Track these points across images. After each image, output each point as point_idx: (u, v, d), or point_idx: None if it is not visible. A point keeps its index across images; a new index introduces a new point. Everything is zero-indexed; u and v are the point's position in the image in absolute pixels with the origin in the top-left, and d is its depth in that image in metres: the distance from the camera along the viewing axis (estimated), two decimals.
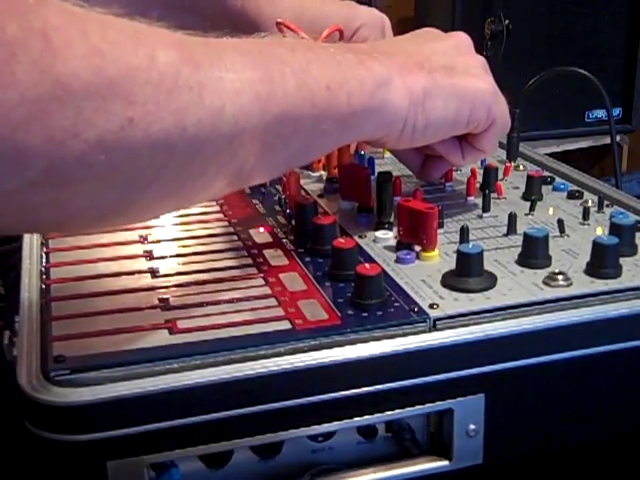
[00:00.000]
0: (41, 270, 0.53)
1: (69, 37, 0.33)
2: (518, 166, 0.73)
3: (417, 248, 0.54)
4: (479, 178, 0.66)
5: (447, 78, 0.54)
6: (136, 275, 0.52)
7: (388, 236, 0.57)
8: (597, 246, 0.51)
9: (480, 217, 0.61)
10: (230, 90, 0.40)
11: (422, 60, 0.54)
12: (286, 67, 0.44)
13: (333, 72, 0.47)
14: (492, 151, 0.61)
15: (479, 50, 0.60)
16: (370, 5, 1.27)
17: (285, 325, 0.45)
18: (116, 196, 0.38)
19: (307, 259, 0.54)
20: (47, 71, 0.32)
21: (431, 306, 0.47)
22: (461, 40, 0.59)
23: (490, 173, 0.66)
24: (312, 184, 0.69)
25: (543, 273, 0.50)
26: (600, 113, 1.64)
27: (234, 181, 0.45)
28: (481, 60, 0.59)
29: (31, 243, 0.56)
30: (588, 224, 0.59)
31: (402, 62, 0.53)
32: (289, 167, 0.55)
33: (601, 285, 0.49)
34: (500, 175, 0.69)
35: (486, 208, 0.62)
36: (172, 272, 0.52)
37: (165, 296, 0.49)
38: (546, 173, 0.70)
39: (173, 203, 0.44)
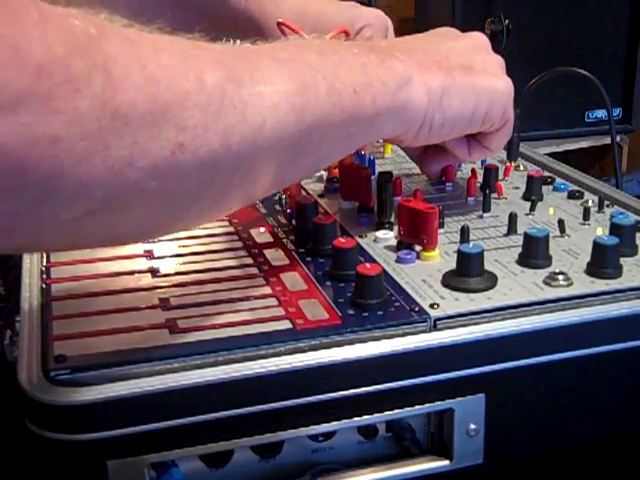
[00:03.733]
0: (41, 270, 0.53)
1: (128, 69, 0.33)
2: (518, 166, 0.73)
3: (418, 248, 0.54)
4: (479, 178, 0.66)
5: (465, 76, 0.54)
6: (136, 275, 0.52)
7: (389, 236, 0.57)
8: (597, 246, 0.51)
9: (480, 217, 0.61)
10: (269, 105, 0.41)
11: (440, 58, 0.54)
12: (317, 73, 0.45)
13: (359, 74, 0.47)
14: (499, 150, 0.62)
15: None
16: (370, 5, 1.27)
17: (286, 325, 0.45)
18: (163, 216, 0.39)
19: (308, 259, 0.54)
20: (108, 104, 0.32)
21: (431, 306, 0.47)
22: (479, 39, 0.60)
23: (490, 173, 0.66)
24: (313, 184, 0.69)
25: (543, 273, 0.50)
26: (600, 113, 1.64)
27: (268, 188, 0.46)
28: (499, 59, 0.59)
29: None
30: (588, 224, 0.59)
31: (421, 60, 0.53)
32: (316, 170, 0.56)
33: (601, 285, 0.49)
34: (500, 175, 0.69)
35: (486, 208, 0.62)
36: (172, 272, 0.52)
37: (165, 296, 0.49)
38: (546, 173, 0.70)
39: (213, 215, 0.45)
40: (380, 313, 0.46)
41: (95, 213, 0.34)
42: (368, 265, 0.48)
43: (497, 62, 0.58)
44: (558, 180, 0.69)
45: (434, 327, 0.46)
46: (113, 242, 0.42)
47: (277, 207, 0.63)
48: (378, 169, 0.71)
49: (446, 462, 0.47)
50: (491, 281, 0.49)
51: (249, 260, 0.54)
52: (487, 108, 0.55)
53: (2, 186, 0.30)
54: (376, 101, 0.48)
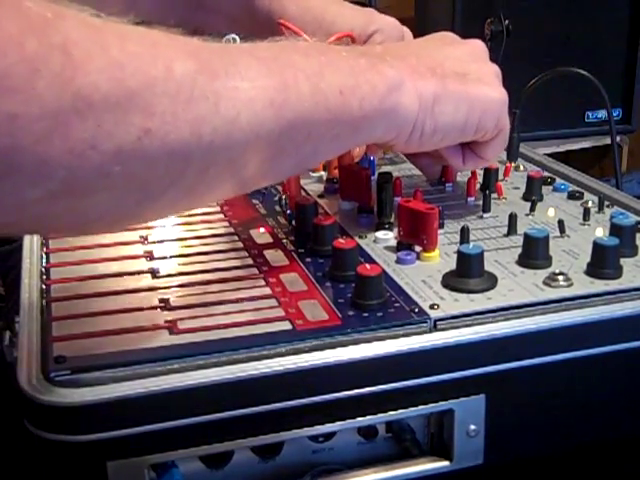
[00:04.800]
0: (41, 270, 0.53)
1: (89, 51, 0.34)
2: (518, 166, 0.73)
3: (417, 248, 0.54)
4: (479, 179, 0.66)
5: (458, 84, 0.54)
6: (137, 275, 0.52)
7: (388, 236, 0.57)
8: (597, 247, 0.51)
9: (480, 217, 0.61)
10: (245, 98, 0.41)
11: (434, 65, 0.54)
12: (300, 72, 0.45)
13: (346, 76, 0.47)
14: (493, 159, 0.62)
15: None
16: (370, 6, 1.27)
17: (286, 325, 0.45)
18: (132, 203, 0.39)
19: (307, 259, 0.54)
20: (68, 85, 0.33)
21: (432, 306, 0.47)
22: (476, 47, 0.59)
23: (490, 173, 0.66)
24: (312, 184, 0.69)
25: (543, 273, 0.50)
26: (600, 113, 1.64)
27: (246, 184, 0.46)
28: (495, 68, 0.59)
29: (31, 243, 0.56)
30: (588, 225, 0.59)
31: (414, 66, 0.53)
32: (300, 170, 0.55)
33: (601, 286, 0.49)
34: (500, 175, 0.69)
35: (486, 208, 0.62)
36: (173, 272, 0.52)
37: (166, 296, 0.49)
38: (546, 174, 0.70)
39: (185, 206, 0.45)
40: (380, 314, 0.46)
41: (59, 194, 0.35)
42: (368, 266, 0.48)
43: (493, 71, 0.58)
44: (558, 180, 0.69)
45: (434, 328, 0.46)
46: (83, 229, 0.42)
47: (277, 208, 0.63)
48: (378, 169, 0.71)
49: (446, 463, 0.47)
50: (491, 282, 0.49)
51: (249, 261, 0.54)
52: (480, 117, 0.55)
53: None
54: (363, 104, 0.48)
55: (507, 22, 1.56)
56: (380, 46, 0.65)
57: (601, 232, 0.57)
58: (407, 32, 0.74)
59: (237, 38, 0.53)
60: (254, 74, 0.42)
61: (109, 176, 0.35)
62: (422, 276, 0.51)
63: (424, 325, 0.46)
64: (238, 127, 0.40)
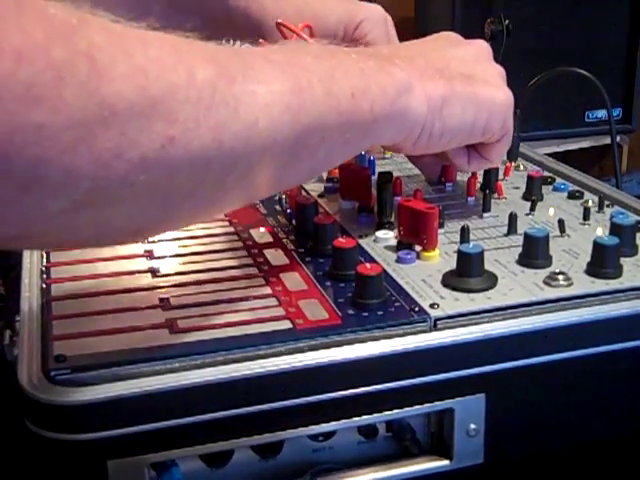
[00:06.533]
0: (41, 270, 0.53)
1: (113, 57, 0.33)
2: (518, 166, 0.73)
3: (418, 248, 0.54)
4: (479, 178, 0.66)
5: (466, 86, 0.54)
6: (136, 275, 0.52)
7: (389, 236, 0.57)
8: (598, 246, 0.51)
9: (480, 217, 0.61)
10: (262, 103, 0.40)
11: (442, 67, 0.54)
12: (313, 76, 0.44)
13: (356, 79, 0.47)
14: (499, 162, 0.62)
15: None
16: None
17: (286, 325, 0.45)
18: (153, 213, 0.39)
19: (308, 259, 0.54)
20: (93, 93, 0.32)
21: (432, 306, 0.47)
22: (481, 48, 0.59)
23: (490, 173, 0.66)
24: (312, 184, 0.69)
25: (544, 273, 0.50)
26: (600, 113, 1.64)
27: (260, 192, 0.46)
28: (500, 70, 0.59)
29: None
30: (588, 224, 0.59)
31: (422, 68, 0.53)
32: (312, 176, 0.55)
33: (602, 285, 0.49)
34: (500, 175, 0.69)
35: (486, 208, 0.62)
36: (172, 272, 0.52)
37: (165, 296, 0.49)
38: (546, 173, 0.70)
39: (203, 215, 0.45)
40: (380, 313, 0.46)
41: (83, 205, 0.34)
42: (368, 265, 0.48)
43: (498, 72, 0.58)
44: (558, 180, 0.69)
45: (434, 327, 0.46)
46: (105, 240, 0.41)
47: (277, 207, 0.63)
48: (378, 169, 0.71)
49: (446, 462, 0.47)
50: (491, 281, 0.49)
51: (249, 260, 0.54)
52: (487, 118, 0.55)
53: None
54: (374, 107, 0.48)
55: (507, 22, 1.55)
56: (387, 47, 0.65)
57: (601, 232, 0.57)
58: (388, 16, 0.74)
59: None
60: (270, 78, 0.41)
61: (133, 185, 0.35)
62: (422, 275, 0.51)
63: (424, 324, 0.46)
64: (256, 132, 0.40)
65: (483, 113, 0.55)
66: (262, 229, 0.59)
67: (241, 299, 0.48)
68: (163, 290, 0.49)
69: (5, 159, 0.30)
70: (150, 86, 0.34)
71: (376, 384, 0.44)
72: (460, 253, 0.50)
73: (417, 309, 0.46)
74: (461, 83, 0.54)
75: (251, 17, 0.70)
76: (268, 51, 0.45)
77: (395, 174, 0.65)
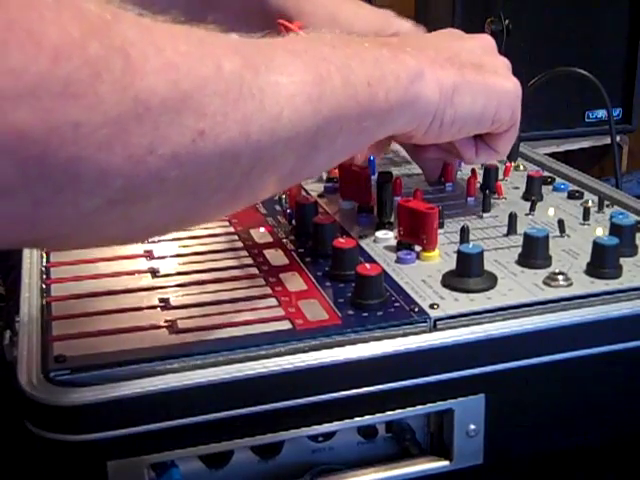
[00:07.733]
0: (41, 270, 0.53)
1: (145, 52, 0.33)
2: (518, 166, 0.73)
3: (417, 248, 0.54)
4: (479, 178, 0.66)
5: (476, 75, 0.54)
6: (136, 275, 0.52)
7: (388, 236, 0.57)
8: (597, 246, 0.51)
9: (480, 217, 0.61)
10: (286, 94, 0.40)
11: (452, 56, 0.54)
12: (330, 65, 0.44)
13: (372, 68, 0.47)
14: (505, 153, 0.62)
15: None
16: (370, 4, 1.27)
17: (285, 325, 0.45)
18: (182, 207, 0.38)
19: (307, 259, 0.54)
20: (128, 89, 0.32)
21: (431, 306, 0.47)
22: (486, 41, 0.60)
23: (490, 173, 0.66)
24: (312, 184, 0.69)
25: (543, 273, 0.50)
26: (600, 113, 1.64)
27: (284, 183, 0.46)
28: (506, 61, 0.59)
29: None
30: (588, 224, 0.59)
31: (433, 56, 0.53)
32: (331, 166, 0.55)
33: (601, 285, 0.49)
34: (500, 175, 0.69)
35: (486, 208, 0.62)
36: (172, 272, 0.52)
37: (165, 296, 0.49)
38: (546, 173, 0.70)
39: (229, 208, 0.45)
40: (380, 313, 0.46)
41: (116, 203, 0.34)
42: (368, 265, 0.48)
43: (505, 64, 0.59)
44: (558, 180, 0.69)
45: (434, 327, 0.46)
46: (132, 237, 0.41)
47: (277, 207, 0.63)
48: (378, 169, 0.70)
49: (446, 462, 0.47)
50: (491, 281, 0.49)
51: (249, 260, 0.54)
52: (496, 108, 0.55)
53: (23, 173, 0.30)
54: (389, 95, 0.48)
55: (507, 22, 1.55)
56: (396, 38, 0.65)
57: (601, 232, 0.57)
58: (421, 32, 0.74)
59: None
60: (292, 69, 0.41)
61: (165, 181, 0.35)
62: (422, 276, 0.51)
63: (424, 325, 0.46)
64: (281, 124, 0.40)
65: (493, 102, 0.55)
66: (262, 229, 0.59)
67: (241, 299, 0.48)
68: (163, 290, 0.49)
69: (41, 160, 0.30)
70: (181, 80, 0.34)
71: (376, 384, 0.44)
72: (460, 253, 0.50)
73: (417, 309, 0.46)
74: (471, 72, 0.54)
75: (287, 16, 0.70)
76: (286, 41, 0.45)
77: (395, 174, 0.65)
